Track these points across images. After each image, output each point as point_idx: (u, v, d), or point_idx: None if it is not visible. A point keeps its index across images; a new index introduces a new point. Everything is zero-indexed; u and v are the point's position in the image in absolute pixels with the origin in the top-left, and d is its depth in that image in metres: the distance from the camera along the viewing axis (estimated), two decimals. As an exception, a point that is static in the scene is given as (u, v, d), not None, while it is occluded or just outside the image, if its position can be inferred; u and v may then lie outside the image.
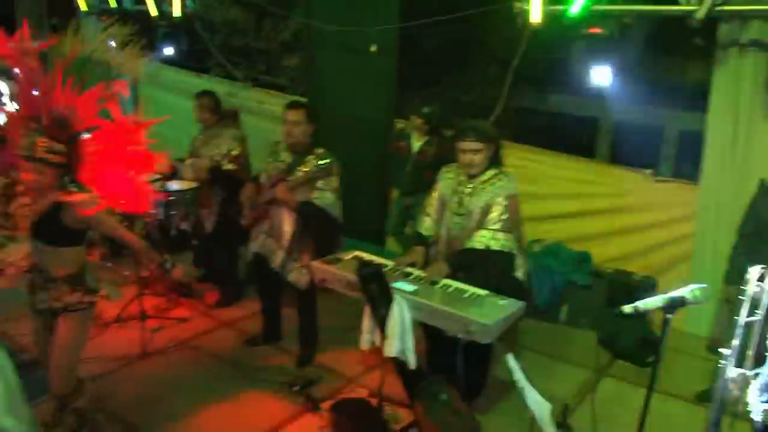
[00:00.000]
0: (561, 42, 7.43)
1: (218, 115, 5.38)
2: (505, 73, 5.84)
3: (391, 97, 6.35)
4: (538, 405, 2.93)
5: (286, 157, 4.45)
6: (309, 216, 4.29)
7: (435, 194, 4.20)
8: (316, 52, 6.48)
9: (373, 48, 5.90)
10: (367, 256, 4.11)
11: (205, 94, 5.53)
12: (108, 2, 7.37)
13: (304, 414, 4.11)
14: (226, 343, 4.99)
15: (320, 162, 4.25)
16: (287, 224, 4.40)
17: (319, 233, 4.39)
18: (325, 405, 4.11)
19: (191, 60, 7.61)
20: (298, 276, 4.45)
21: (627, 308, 2.88)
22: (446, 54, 8.13)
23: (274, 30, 7.24)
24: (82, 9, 7.70)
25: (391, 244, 6.38)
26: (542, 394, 2.96)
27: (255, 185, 4.61)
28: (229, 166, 5.22)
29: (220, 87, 6.59)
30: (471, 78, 8.34)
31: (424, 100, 5.96)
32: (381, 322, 3.47)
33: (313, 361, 4.65)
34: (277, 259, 4.44)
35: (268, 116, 6.76)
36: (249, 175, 5.28)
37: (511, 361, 2.98)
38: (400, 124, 6.29)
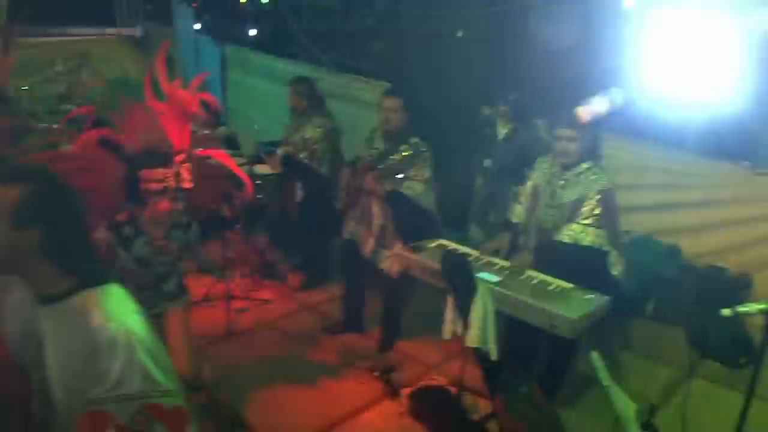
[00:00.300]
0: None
1: (311, 101, 5.42)
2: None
3: (477, 83, 6.26)
4: (624, 404, 2.86)
5: (380, 144, 4.45)
6: (397, 205, 4.28)
7: (529, 183, 4.12)
8: (401, 36, 6.46)
9: (460, 32, 5.83)
10: (451, 244, 4.09)
11: (301, 80, 5.55)
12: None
13: (383, 400, 4.15)
14: (308, 325, 5.08)
15: (404, 153, 4.23)
16: (377, 212, 4.41)
17: (407, 223, 4.37)
18: (405, 392, 4.14)
19: (278, 45, 7.70)
20: (390, 264, 4.45)
21: (726, 311, 2.76)
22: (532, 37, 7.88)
23: (360, 14, 7.25)
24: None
25: (474, 231, 6.32)
26: (626, 391, 2.88)
27: (351, 170, 4.63)
28: (303, 155, 5.28)
29: (306, 71, 6.65)
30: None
31: (507, 86, 5.86)
32: (464, 312, 3.46)
33: (394, 347, 4.67)
34: (368, 246, 4.46)
35: (353, 101, 6.79)
36: (321, 164, 5.33)
37: (596, 358, 2.91)
38: (485, 110, 6.21)
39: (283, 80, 7.49)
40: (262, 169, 5.57)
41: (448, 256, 3.51)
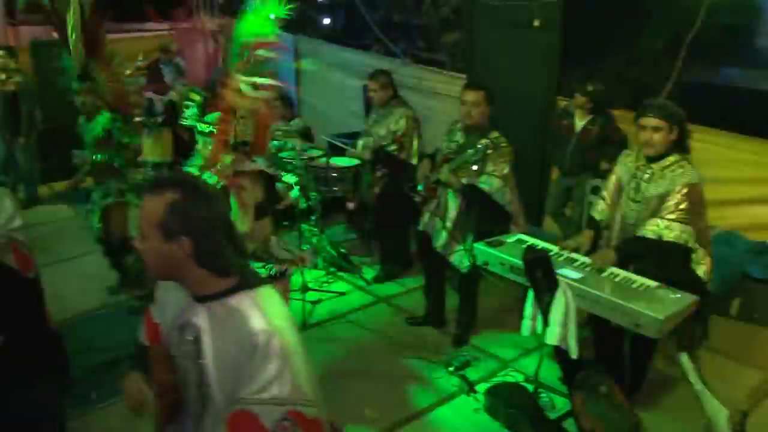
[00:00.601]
0: (742, 7, 6.81)
1: (391, 93, 5.42)
2: (675, 46, 5.45)
3: (553, 74, 6.14)
4: (715, 409, 2.76)
5: (460, 137, 4.41)
6: (473, 200, 4.24)
7: (613, 177, 3.99)
8: (476, 27, 6.39)
9: (537, 22, 5.72)
10: (530, 239, 4.02)
11: (381, 73, 5.55)
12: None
13: (458, 395, 4.13)
14: (382, 318, 5.10)
15: (478, 146, 4.16)
16: (452, 206, 4.38)
17: (483, 218, 4.32)
18: (481, 388, 4.11)
19: (351, 36, 7.74)
20: (460, 258, 4.42)
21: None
22: (609, 26, 7.69)
23: (434, 5, 7.20)
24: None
25: (550, 225, 6.22)
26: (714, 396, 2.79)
27: (429, 162, 4.61)
28: (392, 147, 5.28)
29: (379, 63, 6.67)
30: (636, 52, 7.85)
31: (585, 77, 5.73)
32: (544, 308, 3.41)
33: (469, 341, 4.64)
34: (441, 239, 4.44)
35: (427, 93, 6.77)
36: (410, 155, 5.32)
37: (686, 361, 2.82)
38: (562, 101, 6.09)
39: (355, 72, 7.56)
40: (340, 161, 5.60)
41: (530, 252, 3.45)
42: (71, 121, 5.46)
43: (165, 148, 7.11)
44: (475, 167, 4.18)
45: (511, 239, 3.99)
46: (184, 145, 7.35)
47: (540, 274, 3.34)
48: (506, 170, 4.23)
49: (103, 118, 5.06)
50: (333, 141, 6.61)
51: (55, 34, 5.57)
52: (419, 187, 4.58)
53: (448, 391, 4.17)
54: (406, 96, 6.15)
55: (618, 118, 5.61)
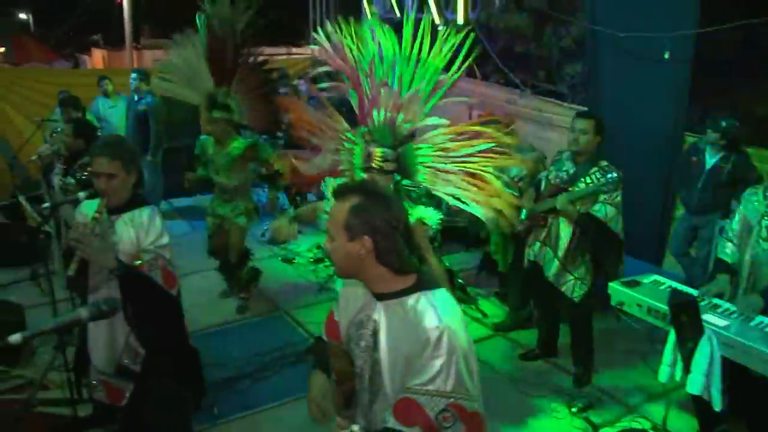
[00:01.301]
0: None
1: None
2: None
3: (681, 109, 5.92)
4: None
5: (570, 167, 4.32)
6: (588, 229, 4.12)
7: (738, 217, 3.79)
8: (599, 59, 6.26)
9: (667, 55, 5.55)
10: (667, 281, 3.86)
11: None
12: (393, 10, 7.76)
13: (582, 437, 4.00)
14: (498, 352, 5.00)
15: (609, 176, 4.04)
16: (564, 234, 4.27)
17: (597, 247, 4.22)
18: None
19: (468, 65, 7.72)
20: (571, 288, 4.29)
21: None
22: (739, 60, 7.40)
23: (555, 36, 7.11)
24: (369, 14, 8.21)
25: (670, 264, 5.96)
26: None
27: (534, 192, 4.53)
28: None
29: (498, 93, 6.64)
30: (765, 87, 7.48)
31: (711, 113, 5.50)
32: (686, 355, 3.24)
33: (590, 381, 4.47)
34: (552, 268, 4.33)
35: (544, 124, 6.67)
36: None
37: None
38: (691, 137, 5.85)
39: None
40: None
41: (676, 296, 3.30)
42: (191, 141, 5.73)
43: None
44: (602, 196, 4.07)
45: (647, 280, 3.84)
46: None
47: (686, 319, 3.18)
48: (618, 198, 4.10)
49: (240, 143, 5.24)
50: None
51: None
52: (522, 217, 4.50)
53: (571, 432, 4.04)
54: (524, 127, 6.09)
55: (753, 156, 5.35)
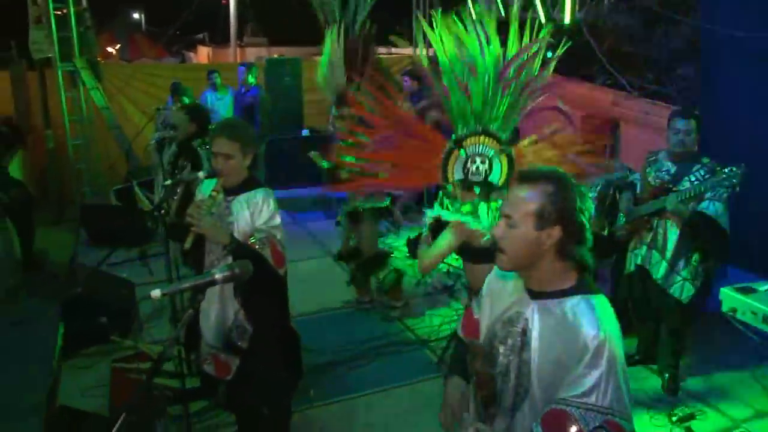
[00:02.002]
0: None
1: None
2: None
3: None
4: None
5: (670, 166, 4.19)
6: (700, 227, 3.98)
7: None
8: (713, 60, 6.01)
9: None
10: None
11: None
12: (500, 10, 7.74)
13: (682, 448, 3.87)
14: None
15: (725, 172, 3.88)
16: (673, 236, 4.15)
17: (707, 245, 4.10)
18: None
19: (574, 66, 7.59)
20: (680, 288, 4.18)
21: None
22: None
23: (666, 37, 6.89)
24: (473, 14, 8.20)
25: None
26: None
27: (633, 195, 4.41)
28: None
29: (604, 95, 6.49)
30: None
31: None
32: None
33: (679, 387, 4.33)
34: (661, 270, 4.20)
35: (651, 128, 6.47)
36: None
37: None
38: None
39: (576, 104, 7.40)
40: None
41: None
42: (292, 134, 5.85)
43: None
44: (708, 193, 3.94)
45: (763, 287, 3.67)
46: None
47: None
48: (725, 195, 3.94)
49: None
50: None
51: (276, 54, 5.99)
52: (621, 221, 4.41)
53: (671, 441, 3.92)
54: (629, 130, 5.93)
55: None
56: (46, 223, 8.51)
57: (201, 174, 3.37)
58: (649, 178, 4.33)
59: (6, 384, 4.78)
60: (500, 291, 2.02)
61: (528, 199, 1.81)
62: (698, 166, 4.08)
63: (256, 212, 3.17)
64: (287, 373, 3.56)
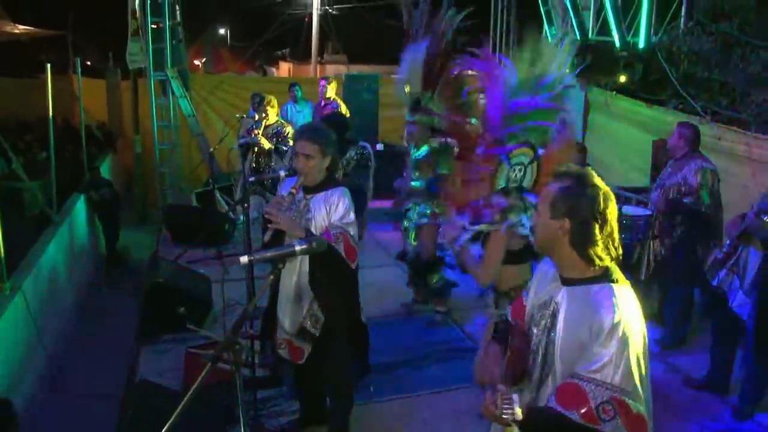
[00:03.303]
0: None
1: (690, 147, 5.25)
2: None
3: None
4: None
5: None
6: None
7: None
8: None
9: None
10: None
11: (689, 125, 5.42)
12: (576, 33, 7.84)
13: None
14: (655, 376, 4.87)
15: None
16: (753, 263, 4.15)
17: None
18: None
19: (645, 90, 7.62)
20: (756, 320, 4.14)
21: None
22: None
23: (742, 61, 6.84)
24: (548, 36, 8.38)
25: None
26: None
27: (740, 218, 4.38)
28: (688, 199, 5.11)
29: (672, 119, 6.48)
30: None
31: None
32: None
33: (752, 416, 4.29)
34: (737, 298, 4.21)
35: (724, 154, 6.42)
36: (716, 209, 5.09)
37: None
38: None
39: (647, 127, 7.43)
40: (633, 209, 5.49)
41: None
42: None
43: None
44: None
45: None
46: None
47: None
48: None
49: (426, 146, 5.43)
50: (619, 192, 6.53)
51: (355, 71, 6.19)
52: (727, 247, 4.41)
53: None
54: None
55: None
56: (129, 224, 9.02)
57: (282, 173, 3.64)
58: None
59: (89, 367, 5.15)
60: (542, 279, 2.24)
61: (549, 191, 2.06)
62: None
63: (332, 209, 3.39)
64: (355, 364, 3.78)
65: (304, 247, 2.13)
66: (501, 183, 3.47)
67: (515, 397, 1.91)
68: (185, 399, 1.95)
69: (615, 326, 1.90)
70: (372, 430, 4.09)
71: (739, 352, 4.55)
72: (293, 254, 2.13)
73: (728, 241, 4.40)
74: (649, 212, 5.33)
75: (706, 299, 4.61)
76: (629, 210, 5.40)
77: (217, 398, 3.94)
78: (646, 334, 1.99)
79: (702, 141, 6.42)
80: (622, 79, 7.88)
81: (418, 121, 5.38)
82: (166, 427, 1.93)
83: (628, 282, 2.06)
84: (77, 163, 8.72)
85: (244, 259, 2.02)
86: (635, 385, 1.91)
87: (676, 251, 5.17)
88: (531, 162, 3.44)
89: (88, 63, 18.15)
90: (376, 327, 5.37)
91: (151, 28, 9.37)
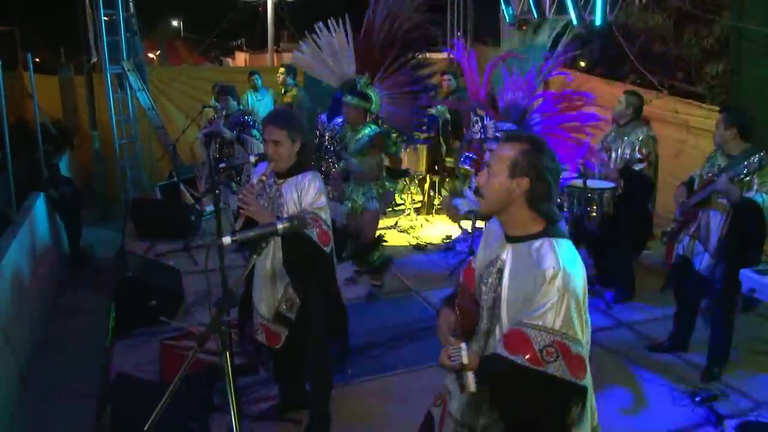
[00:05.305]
0: None
1: (636, 113, 5.45)
2: None
3: None
4: None
5: (722, 160, 4.32)
6: (745, 215, 4.09)
7: None
8: (743, 59, 6.14)
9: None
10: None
11: (632, 93, 5.65)
12: (533, 13, 7.92)
13: (704, 426, 3.99)
14: (623, 342, 5.04)
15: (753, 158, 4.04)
16: (715, 226, 4.28)
17: (750, 235, 4.17)
18: (730, 422, 3.94)
19: (605, 66, 7.74)
20: (722, 280, 4.26)
21: None
22: None
23: (696, 36, 7.00)
24: (506, 17, 8.45)
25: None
26: None
27: (686, 189, 4.54)
28: (640, 165, 5.29)
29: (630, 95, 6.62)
30: None
31: None
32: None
33: (720, 377, 4.45)
34: (703, 261, 4.34)
35: (681, 126, 6.59)
36: (654, 176, 5.31)
37: None
38: None
39: (609, 103, 7.54)
40: (595, 182, 5.61)
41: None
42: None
43: (420, 161, 7.67)
44: (756, 183, 4.07)
45: (782, 268, 3.80)
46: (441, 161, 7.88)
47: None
48: None
49: (369, 130, 5.50)
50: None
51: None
52: (677, 215, 4.56)
53: (693, 421, 4.04)
54: (659, 128, 6.07)
55: None
56: (90, 221, 8.86)
57: (252, 158, 3.63)
58: (703, 172, 4.47)
59: (61, 366, 5.07)
60: (488, 240, 2.38)
61: (506, 152, 2.16)
62: (751, 157, 4.11)
63: (303, 194, 3.40)
64: (332, 346, 3.81)
65: (285, 225, 2.15)
66: None
67: (463, 345, 2.08)
68: (170, 388, 1.96)
69: (554, 276, 2.04)
70: (352, 410, 4.12)
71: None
72: (275, 233, 2.15)
73: (678, 209, 4.55)
74: (614, 185, 5.44)
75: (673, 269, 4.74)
76: (593, 183, 5.49)
77: (195, 388, 3.94)
78: (585, 284, 2.13)
79: (660, 114, 6.61)
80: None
81: (356, 105, 5.43)
82: (151, 419, 1.94)
83: (567, 236, 2.20)
84: (33, 161, 8.52)
85: (227, 239, 2.02)
86: (575, 329, 2.06)
87: (619, 210, 5.43)
88: None
89: (37, 60, 17.72)
90: (350, 310, 5.47)
91: (104, 20, 9.18)
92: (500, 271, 2.23)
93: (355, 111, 5.47)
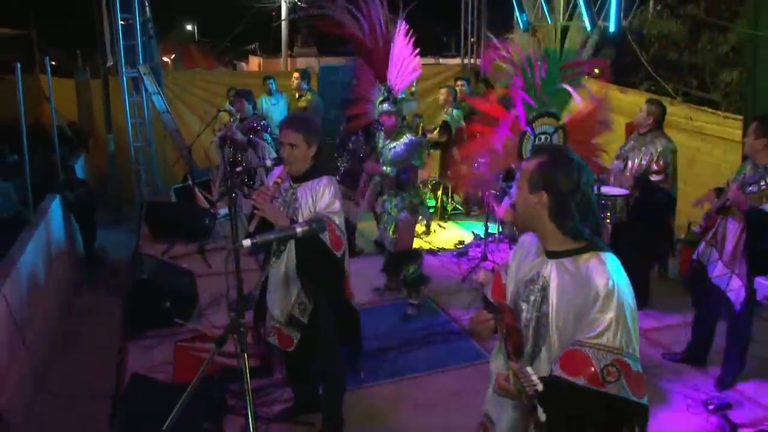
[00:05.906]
0: None
1: (656, 124, 5.40)
2: None
3: None
4: None
5: (751, 170, 4.25)
6: (757, 225, 4.07)
7: None
8: (758, 66, 6.11)
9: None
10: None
11: (654, 102, 5.58)
12: (547, 18, 7.93)
13: (717, 434, 3.98)
14: (647, 358, 5.00)
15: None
16: (731, 235, 4.26)
17: (762, 246, 4.15)
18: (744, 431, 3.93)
19: (616, 73, 7.71)
20: (736, 289, 4.25)
21: None
22: None
23: (711, 43, 6.97)
24: (520, 24, 8.48)
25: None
26: None
27: (714, 194, 4.49)
28: (656, 177, 5.26)
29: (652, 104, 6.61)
30: None
31: None
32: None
33: (734, 385, 4.43)
34: (716, 269, 4.33)
35: (695, 133, 6.57)
36: (673, 186, 5.27)
37: None
38: None
39: (621, 110, 7.54)
40: (610, 189, 5.59)
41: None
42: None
43: (433, 166, 7.67)
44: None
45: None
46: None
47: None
48: None
49: (405, 138, 5.34)
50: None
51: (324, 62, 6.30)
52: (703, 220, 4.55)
53: (706, 429, 4.03)
54: (672, 136, 6.05)
55: None
56: (105, 223, 8.94)
57: (268, 162, 3.66)
58: (730, 179, 4.42)
59: (76, 367, 5.11)
60: (524, 256, 2.29)
61: (527, 166, 2.13)
62: None
63: (317, 198, 3.42)
64: (345, 349, 3.82)
65: (305, 228, 2.17)
66: (527, 153, 3.72)
67: (529, 369, 1.96)
68: (189, 389, 1.97)
69: (610, 292, 1.98)
70: (365, 414, 4.14)
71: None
72: (294, 236, 2.16)
73: (705, 215, 4.52)
74: (627, 192, 5.42)
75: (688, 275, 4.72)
76: (607, 190, 5.48)
77: (209, 389, 3.97)
78: (634, 299, 2.07)
79: (674, 121, 6.59)
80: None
81: (397, 112, 5.32)
82: (169, 420, 1.95)
83: (611, 251, 2.14)
84: (49, 163, 8.60)
85: (246, 242, 2.04)
86: (634, 346, 2.00)
87: (633, 218, 5.41)
88: (556, 131, 3.64)
89: (53, 63, 17.88)
90: (364, 315, 5.47)
91: (121, 24, 9.26)
92: (544, 289, 2.14)
93: (395, 118, 5.32)
